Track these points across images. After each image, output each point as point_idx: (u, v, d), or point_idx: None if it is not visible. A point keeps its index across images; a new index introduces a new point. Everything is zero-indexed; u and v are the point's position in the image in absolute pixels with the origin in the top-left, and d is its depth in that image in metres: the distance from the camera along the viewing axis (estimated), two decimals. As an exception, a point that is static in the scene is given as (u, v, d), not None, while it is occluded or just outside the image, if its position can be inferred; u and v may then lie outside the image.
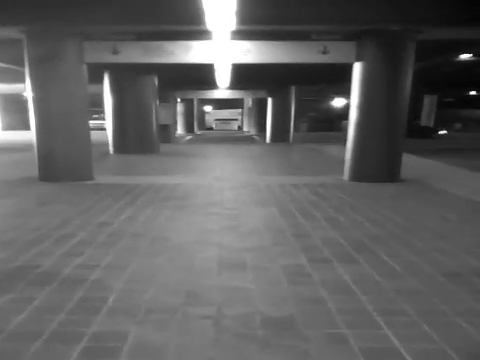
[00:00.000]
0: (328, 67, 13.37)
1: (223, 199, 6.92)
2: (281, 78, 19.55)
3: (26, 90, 8.56)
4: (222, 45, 8.67)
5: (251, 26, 8.16)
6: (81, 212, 5.95)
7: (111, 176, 9.61)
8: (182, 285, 3.37)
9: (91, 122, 35.32)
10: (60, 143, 8.59)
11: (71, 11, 7.85)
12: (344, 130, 38.75)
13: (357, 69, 8.72)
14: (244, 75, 17.92)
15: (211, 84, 21.73)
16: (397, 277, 3.55)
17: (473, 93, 36.87)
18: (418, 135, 29.37)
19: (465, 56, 17.00)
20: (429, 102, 36.61)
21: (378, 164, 8.75)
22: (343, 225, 5.27)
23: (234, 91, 25.88)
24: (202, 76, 18.11)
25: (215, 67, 14.82)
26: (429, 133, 31.20)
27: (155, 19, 7.91)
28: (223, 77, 17.89)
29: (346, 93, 35.23)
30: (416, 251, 4.26)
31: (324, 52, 8.60)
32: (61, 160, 8.65)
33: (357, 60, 8.64)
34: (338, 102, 43.32)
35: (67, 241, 4.56)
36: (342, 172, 9.39)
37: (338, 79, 18.88)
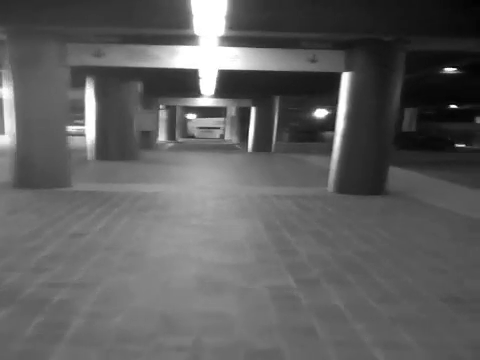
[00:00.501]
0: (313, 77, 13.20)
1: (204, 210, 6.59)
2: (265, 87, 19.34)
3: (4, 92, 8.15)
4: (209, 50, 8.38)
5: (240, 32, 7.89)
6: (53, 221, 5.56)
7: (89, 183, 9.21)
8: (156, 308, 3.02)
9: (74, 128, 34.69)
10: (38, 148, 8.20)
11: (53, 12, 7.50)
12: (327, 141, 38.79)
13: (346, 79, 8.50)
14: (229, 83, 17.70)
15: (195, 91, 21.47)
16: (393, 302, 3.25)
17: (453, 106, 37.16)
18: (431, 147, 29.19)
19: (449, 70, 16.98)
20: (409, 114, 36.79)
21: (364, 176, 8.52)
22: (330, 241, 4.97)
23: (218, 99, 25.58)
24: (186, 83, 17.83)
25: (200, 74, 14.54)
26: (444, 146, 31.03)
27: (140, 22, 7.61)
28: (208, 85, 17.62)
29: (328, 104, 35.27)
30: (410, 271, 3.97)
31: (313, 61, 8.37)
32: (38, 166, 8.25)
33: (346, 70, 8.42)
34: (320, 113, 43.43)
35: (34, 254, 4.19)
36: (326, 183, 9.14)
37: (323, 90, 18.81)
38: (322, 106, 41.85)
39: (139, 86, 15.94)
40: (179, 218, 5.95)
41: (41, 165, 8.26)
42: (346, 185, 8.63)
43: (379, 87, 8.25)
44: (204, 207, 6.81)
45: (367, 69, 8.26)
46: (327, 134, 44.01)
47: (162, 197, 7.64)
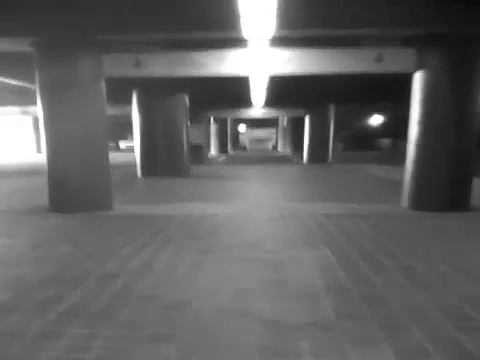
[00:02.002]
0: (374, 81, 12.11)
1: (261, 236, 5.63)
2: (320, 96, 18.27)
3: (38, 110, 7.51)
4: (259, 54, 7.48)
5: (292, 31, 6.94)
6: (84, 258, 4.74)
7: (133, 205, 8.42)
8: None
9: (126, 144, 34.99)
10: (73, 168, 7.46)
11: (87, 18, 6.83)
12: (383, 149, 37.08)
13: (418, 79, 7.38)
14: (280, 93, 16.79)
15: (246, 103, 20.67)
16: None
17: None
18: None
19: None
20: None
21: (445, 190, 7.33)
22: (426, 280, 3.90)
23: (270, 109, 24.69)
24: (236, 94, 17.03)
25: (250, 84, 13.67)
26: None
27: (183, 25, 6.80)
28: (258, 95, 16.75)
29: (385, 110, 33.54)
30: None
31: (378, 60, 7.31)
32: (74, 188, 7.51)
33: (418, 69, 7.31)
34: (375, 119, 41.75)
35: (48, 309, 3.34)
36: (395, 198, 8.02)
37: (384, 95, 17.53)
38: (378, 112, 40.18)
39: (186, 99, 15.21)
40: (232, 249, 5.01)
41: (77, 187, 7.52)
42: (423, 201, 7.47)
43: (458, 88, 7.08)
44: (261, 233, 5.85)
45: (442, 68, 7.11)
46: (383, 141, 42.43)
47: (212, 220, 6.75)
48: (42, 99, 7.34)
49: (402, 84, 11.73)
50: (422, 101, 7.34)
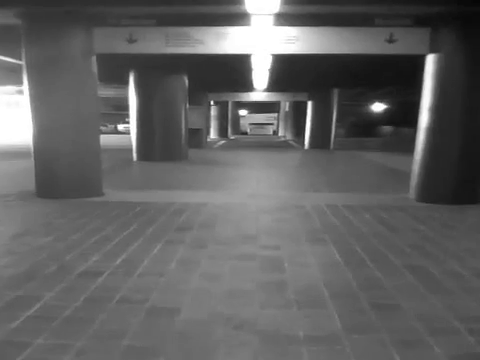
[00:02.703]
0: (381, 64, 11.62)
1: (259, 229, 5.20)
2: (323, 79, 17.67)
3: (24, 88, 7.03)
4: (263, 32, 6.98)
5: (298, 6, 6.48)
6: (66, 249, 4.31)
7: (125, 191, 7.97)
8: None
9: (124, 126, 34.38)
10: (62, 152, 7.02)
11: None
12: (385, 136, 36.54)
13: (431, 62, 6.90)
14: (283, 76, 16.22)
15: (247, 86, 20.16)
16: None
17: None
18: None
19: None
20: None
21: (455, 182, 6.88)
22: (442, 283, 3.47)
23: (272, 94, 24.15)
24: (238, 76, 16.46)
25: (252, 66, 13.12)
26: None
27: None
28: (261, 77, 16.21)
29: (387, 97, 32.98)
30: None
31: (390, 41, 6.82)
32: (63, 173, 7.07)
33: (431, 51, 6.83)
34: (377, 107, 41.16)
35: (18, 312, 2.91)
36: (403, 188, 7.65)
37: (388, 81, 17.00)
38: (380, 100, 39.57)
39: (185, 80, 14.67)
40: (228, 243, 4.57)
41: (66, 172, 7.06)
42: (433, 192, 7.02)
43: (471, 73, 6.61)
44: (260, 225, 5.41)
45: (458, 50, 6.63)
46: (385, 128, 41.80)
47: (208, 209, 6.31)
48: (29, 76, 6.88)
49: (410, 68, 11.25)
50: (435, 86, 6.87)
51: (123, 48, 7.15)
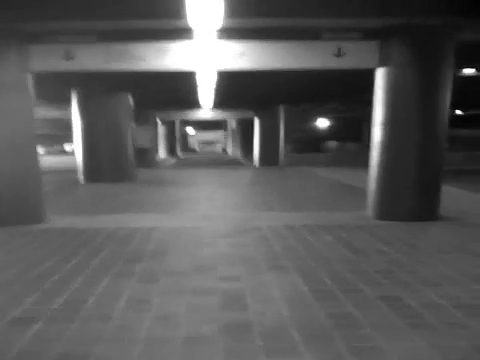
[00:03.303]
0: (326, 79, 11.60)
1: (216, 257, 4.82)
2: (269, 96, 17.61)
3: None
4: (207, 47, 6.68)
5: (243, 20, 6.20)
6: (-5, 290, 3.81)
7: (71, 216, 7.42)
8: None
9: (72, 147, 33.11)
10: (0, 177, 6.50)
11: (11, 4, 5.86)
12: (330, 151, 37.17)
13: (381, 76, 6.79)
14: (229, 94, 16.07)
15: (194, 104, 19.88)
16: None
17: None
18: None
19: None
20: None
21: (413, 198, 6.73)
22: (422, 317, 3.17)
23: (218, 111, 23.93)
24: (184, 95, 16.16)
25: (197, 83, 12.81)
26: None
27: (120, 13, 5.97)
28: (206, 95, 15.96)
29: (330, 113, 33.74)
30: None
31: (338, 55, 6.66)
32: (0, 199, 6.55)
33: (381, 65, 6.72)
34: (323, 122, 41.86)
35: None
36: (359, 205, 7.51)
37: (338, 94, 17.10)
38: (324, 115, 40.21)
39: (129, 98, 14.18)
40: (182, 276, 4.16)
41: (4, 197, 6.55)
42: (390, 210, 6.83)
43: (425, 85, 6.51)
44: (216, 252, 5.03)
45: (408, 63, 6.53)
46: (330, 144, 42.50)
47: (159, 235, 5.90)
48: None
49: (356, 83, 11.26)
50: (386, 100, 6.74)
51: (60, 66, 6.74)
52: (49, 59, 6.67)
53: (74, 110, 13.82)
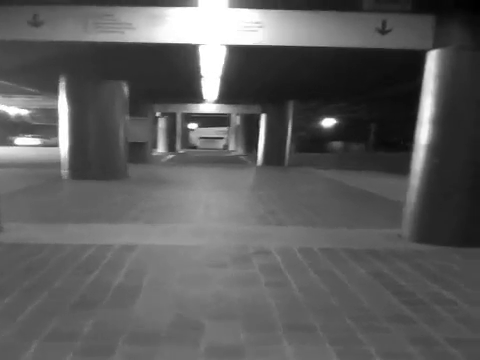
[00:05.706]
0: (345, 73, 10.30)
1: (206, 305, 3.27)
2: (279, 90, 16.06)
3: None
4: (215, 15, 5.20)
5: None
6: None
7: (31, 225, 5.86)
8: None
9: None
10: None
11: None
12: (335, 152, 35.96)
13: (434, 60, 5.29)
14: (234, 85, 14.56)
15: (196, 96, 18.49)
16: None
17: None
18: None
19: None
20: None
21: (469, 217, 5.23)
22: None
23: (222, 105, 22.49)
24: (185, 84, 14.65)
25: (201, 70, 11.34)
26: None
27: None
28: (211, 87, 14.56)
29: (336, 113, 32.58)
30: None
31: (383, 31, 5.16)
32: None
33: (435, 45, 5.18)
34: (327, 122, 40.78)
35: None
36: (383, 218, 6.30)
37: (359, 88, 15.72)
38: (330, 115, 39.01)
39: (124, 88, 12.66)
40: (150, 343, 2.64)
41: None
42: (436, 231, 5.34)
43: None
44: (208, 295, 3.47)
45: (472, 45, 5.02)
46: (335, 144, 41.26)
47: (133, 259, 4.39)
48: None
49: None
50: (438, 92, 5.24)
51: (26, 34, 5.28)
52: (12, 25, 5.27)
53: (61, 98, 12.29)
